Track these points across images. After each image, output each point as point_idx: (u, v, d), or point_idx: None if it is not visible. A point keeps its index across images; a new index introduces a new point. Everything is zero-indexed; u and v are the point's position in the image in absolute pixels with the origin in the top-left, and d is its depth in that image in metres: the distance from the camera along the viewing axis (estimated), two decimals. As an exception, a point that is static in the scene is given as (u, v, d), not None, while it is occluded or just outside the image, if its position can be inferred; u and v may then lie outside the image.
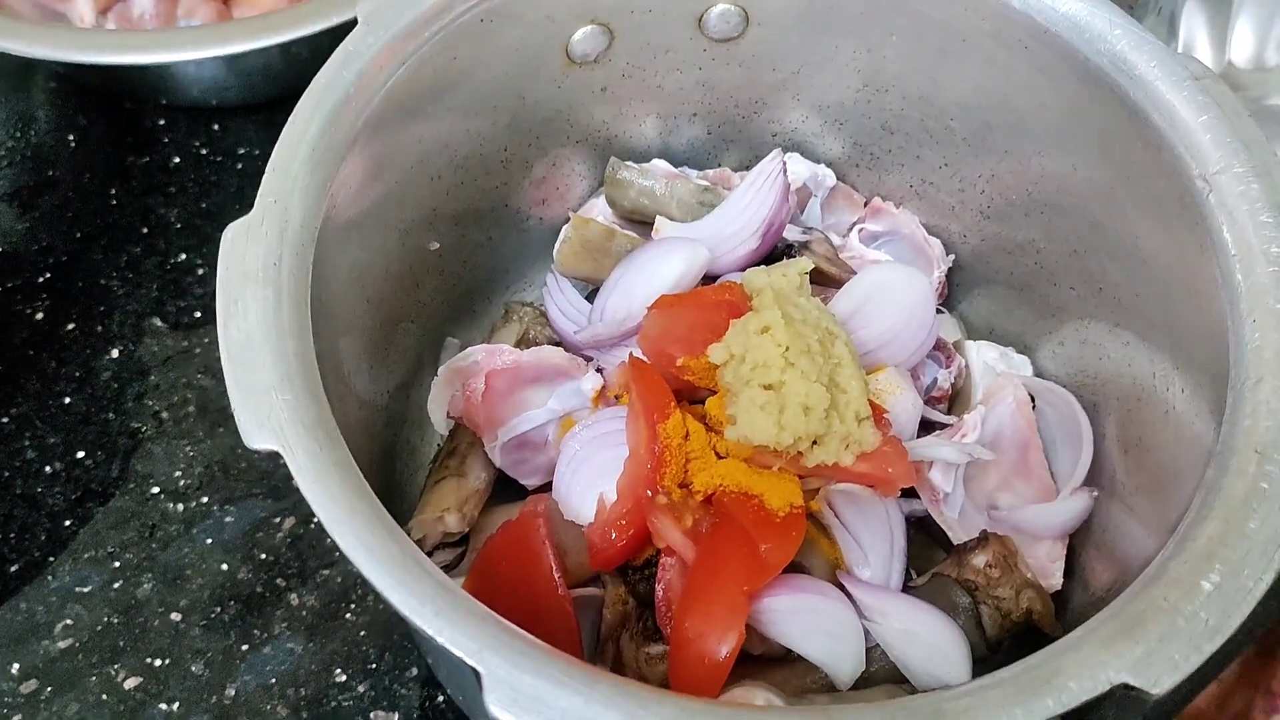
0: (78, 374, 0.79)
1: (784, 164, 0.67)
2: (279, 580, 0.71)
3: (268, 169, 0.51)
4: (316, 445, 0.44)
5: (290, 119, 0.53)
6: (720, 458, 0.59)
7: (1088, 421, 0.64)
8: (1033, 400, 0.67)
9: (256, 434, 0.44)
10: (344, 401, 0.51)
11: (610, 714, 0.39)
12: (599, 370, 0.65)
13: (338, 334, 0.55)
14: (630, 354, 0.62)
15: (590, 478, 0.60)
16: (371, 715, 0.66)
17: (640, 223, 0.72)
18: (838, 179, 0.75)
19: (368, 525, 0.43)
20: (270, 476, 0.75)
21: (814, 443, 0.56)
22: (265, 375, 0.45)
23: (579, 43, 0.65)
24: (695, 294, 0.62)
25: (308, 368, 0.47)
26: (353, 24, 0.57)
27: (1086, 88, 0.58)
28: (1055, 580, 0.62)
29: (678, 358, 0.60)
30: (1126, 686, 0.41)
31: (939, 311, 0.71)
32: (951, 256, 0.73)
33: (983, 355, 0.69)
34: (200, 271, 0.84)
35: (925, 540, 0.66)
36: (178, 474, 0.75)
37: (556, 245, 0.70)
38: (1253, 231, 0.51)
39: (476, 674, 0.40)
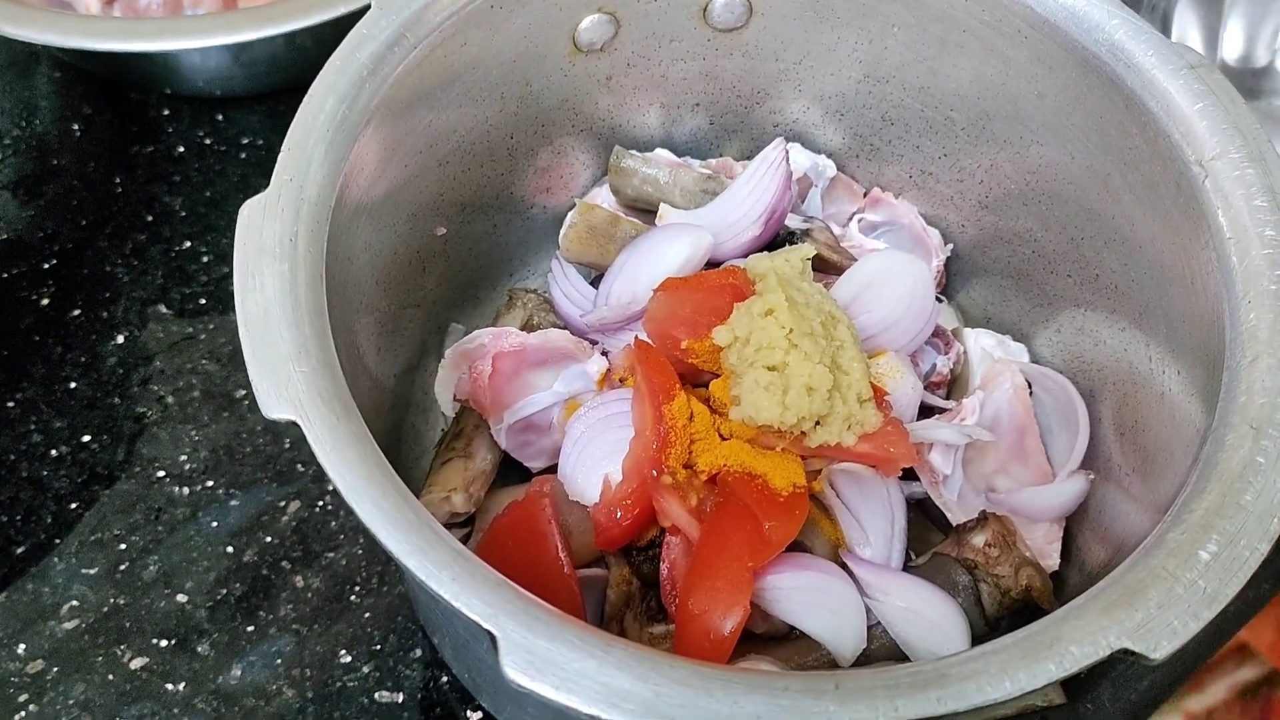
0: (83, 359, 0.80)
1: (786, 152, 0.68)
2: (284, 563, 0.72)
3: (284, 147, 0.52)
4: (334, 416, 0.45)
5: (306, 98, 0.54)
6: (724, 439, 0.60)
7: (1084, 406, 0.65)
8: (1030, 387, 0.68)
9: (275, 404, 0.45)
10: (357, 380, 0.52)
11: (624, 676, 0.40)
12: (604, 354, 0.66)
13: (351, 313, 0.56)
14: (635, 337, 0.63)
15: (595, 459, 0.61)
16: (376, 696, 0.67)
17: (644, 211, 0.73)
18: (838, 169, 0.76)
19: (385, 494, 0.44)
20: (275, 461, 0.75)
21: (817, 423, 0.57)
22: (283, 347, 0.46)
23: (585, 31, 0.66)
24: (699, 278, 0.63)
25: (323, 341, 0.48)
26: (364, 10, 0.58)
27: (1084, 76, 0.59)
28: (1052, 562, 0.63)
29: (682, 340, 0.61)
30: (1126, 652, 0.42)
31: (937, 300, 0.72)
32: (949, 246, 0.74)
33: (980, 342, 0.70)
34: (205, 259, 0.85)
35: (923, 523, 0.67)
36: (183, 458, 0.76)
37: (562, 231, 0.71)
38: (1248, 215, 0.52)
39: (493, 638, 0.41)
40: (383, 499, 0.44)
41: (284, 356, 0.46)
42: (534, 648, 0.40)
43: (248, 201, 0.50)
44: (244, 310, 0.47)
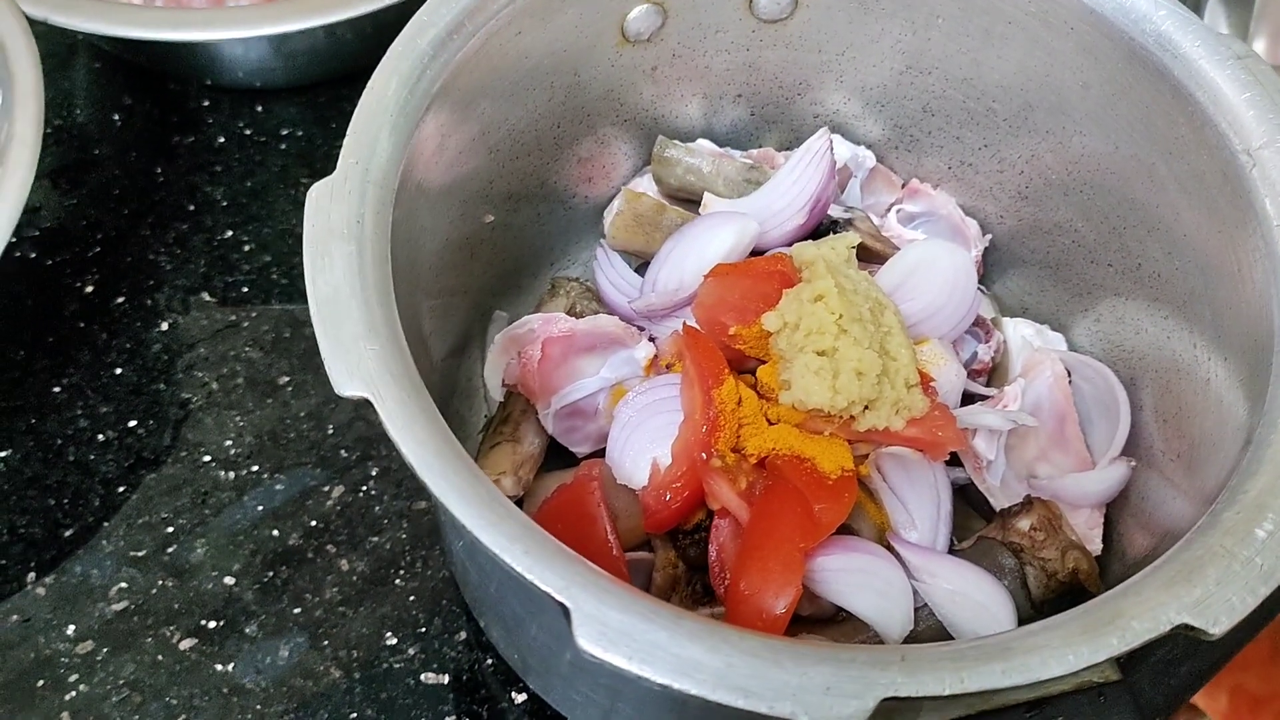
0: (128, 346, 0.81)
1: (830, 141, 0.69)
2: (329, 546, 0.72)
3: (349, 130, 0.53)
4: (404, 393, 0.46)
5: (370, 83, 0.54)
6: (771, 424, 0.61)
7: (1124, 394, 0.66)
8: (1069, 375, 0.69)
9: (348, 382, 0.46)
10: (420, 360, 0.53)
11: (695, 647, 0.41)
12: (651, 340, 0.67)
13: (414, 296, 0.57)
14: (684, 323, 0.63)
15: (643, 443, 0.62)
16: (422, 677, 0.68)
17: (685, 201, 0.74)
18: (877, 160, 0.77)
19: (456, 470, 0.45)
20: (319, 446, 0.76)
21: (866, 407, 0.58)
22: (353, 326, 0.47)
23: (634, 21, 0.67)
24: (748, 264, 0.64)
25: (391, 321, 0.48)
26: (404, 2, 0.59)
27: (1131, 67, 0.60)
28: (1094, 548, 0.64)
29: (730, 326, 0.62)
30: (1187, 627, 0.42)
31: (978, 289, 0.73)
32: (988, 237, 0.75)
33: (1019, 331, 0.71)
34: (246, 248, 0.86)
35: (965, 509, 0.68)
36: (228, 443, 0.76)
37: (609, 219, 0.72)
38: (1296, 203, 0.53)
39: (566, 610, 0.42)
40: (455, 474, 0.44)
41: (355, 336, 0.47)
42: (607, 619, 0.41)
43: (315, 184, 0.51)
44: (315, 290, 0.48)
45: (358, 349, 0.47)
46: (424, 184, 0.59)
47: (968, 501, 0.68)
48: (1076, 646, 0.42)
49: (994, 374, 0.71)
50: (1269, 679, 0.68)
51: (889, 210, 0.76)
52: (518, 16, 0.60)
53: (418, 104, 0.55)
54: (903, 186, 0.77)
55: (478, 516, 0.43)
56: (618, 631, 0.41)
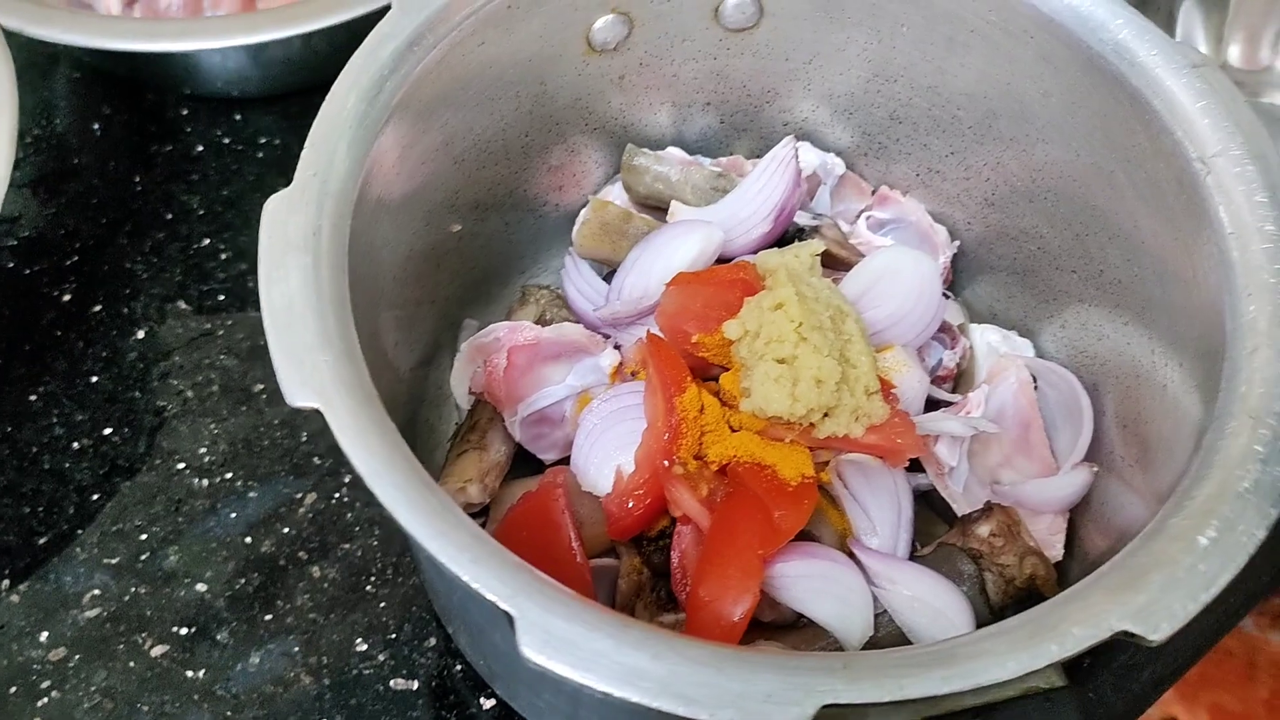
0: (104, 354, 0.81)
1: (796, 149, 0.69)
2: (301, 554, 0.73)
3: (307, 143, 0.53)
4: (356, 404, 0.46)
5: (329, 95, 0.55)
6: (734, 431, 0.61)
7: (1088, 400, 0.66)
8: (1034, 381, 0.69)
9: (299, 392, 0.46)
10: (378, 372, 0.53)
11: (639, 655, 0.41)
12: (616, 347, 0.67)
13: (372, 306, 0.57)
14: (648, 330, 0.64)
15: (608, 450, 0.63)
16: (391, 683, 0.68)
17: (655, 208, 0.74)
18: (846, 167, 0.77)
19: (407, 479, 0.45)
20: (292, 454, 0.77)
21: (825, 415, 0.59)
22: (307, 336, 0.48)
23: (600, 31, 0.67)
24: (710, 272, 0.65)
25: (346, 331, 0.49)
26: (380, 12, 0.59)
27: (1089, 75, 0.60)
28: (1056, 553, 0.64)
29: (693, 334, 0.62)
30: (1127, 634, 0.43)
31: (944, 296, 0.73)
32: (956, 243, 0.76)
33: (986, 337, 0.71)
34: (223, 256, 0.86)
35: (928, 515, 0.68)
36: (202, 450, 0.77)
37: (575, 227, 0.72)
38: (1249, 211, 0.54)
39: (510, 619, 0.42)
40: (405, 484, 0.45)
41: (308, 346, 0.47)
42: (551, 627, 0.42)
43: (273, 196, 0.52)
44: (269, 301, 0.48)
45: (311, 359, 0.47)
46: (386, 194, 0.59)
47: (932, 507, 0.68)
48: (1017, 653, 0.42)
49: (960, 380, 0.72)
50: (1246, 699, 0.69)
51: (858, 217, 0.77)
52: (480, 27, 0.61)
53: (377, 115, 0.56)
54: (872, 193, 0.78)
55: (426, 525, 0.44)
56: (562, 639, 0.42)
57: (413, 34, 0.57)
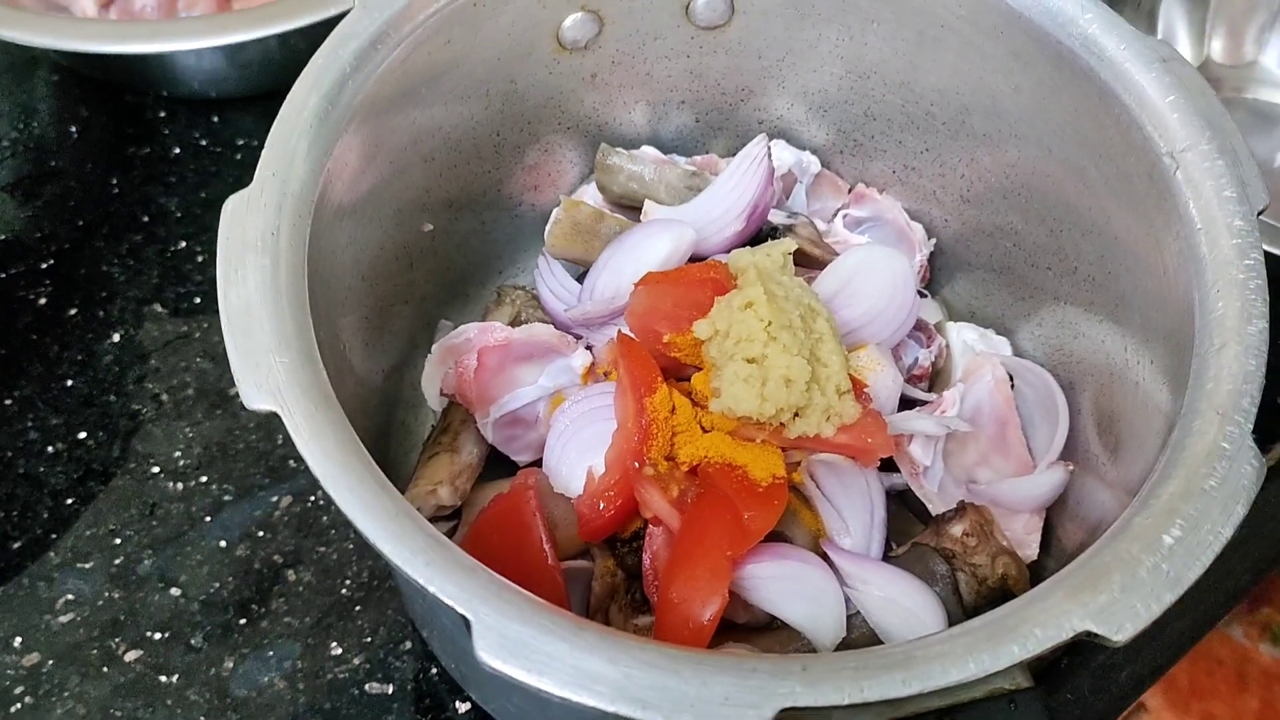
0: (80, 358, 0.81)
1: (768, 148, 0.69)
2: (276, 557, 0.72)
3: (267, 143, 0.53)
4: (313, 406, 0.46)
5: (289, 96, 0.55)
6: (705, 431, 0.61)
7: (1064, 398, 0.65)
8: (1011, 380, 0.69)
9: (255, 395, 0.46)
10: (341, 376, 0.53)
11: (594, 659, 0.41)
12: (588, 348, 0.67)
13: (335, 309, 0.57)
14: (619, 331, 0.63)
15: (580, 451, 0.62)
16: (367, 687, 0.68)
17: (630, 208, 0.74)
18: (822, 165, 0.77)
19: (363, 482, 0.45)
20: (268, 457, 0.76)
21: (796, 414, 0.58)
22: (264, 339, 0.47)
23: (569, 29, 0.67)
24: (680, 272, 0.64)
25: (304, 333, 0.49)
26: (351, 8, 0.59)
27: (1059, 71, 0.60)
28: (1031, 551, 0.64)
29: (664, 334, 0.62)
30: (1090, 634, 0.42)
31: (921, 295, 0.73)
32: (933, 241, 0.75)
33: (963, 335, 0.71)
34: (200, 258, 0.86)
35: (905, 514, 0.68)
36: (177, 454, 0.77)
37: (547, 228, 0.72)
38: (1217, 206, 0.53)
39: (466, 622, 0.42)
40: (360, 487, 0.44)
41: (265, 348, 0.47)
42: (506, 631, 0.41)
43: (231, 196, 0.51)
44: (226, 303, 0.48)
45: (267, 361, 0.47)
46: (352, 194, 0.59)
47: (909, 507, 0.68)
48: (978, 654, 0.42)
49: (937, 379, 0.71)
50: (1237, 708, 0.69)
51: (835, 215, 0.76)
52: (445, 25, 0.60)
53: (340, 115, 0.55)
54: (849, 191, 0.77)
55: (381, 529, 0.44)
56: (517, 643, 0.41)
57: (375, 33, 0.57)
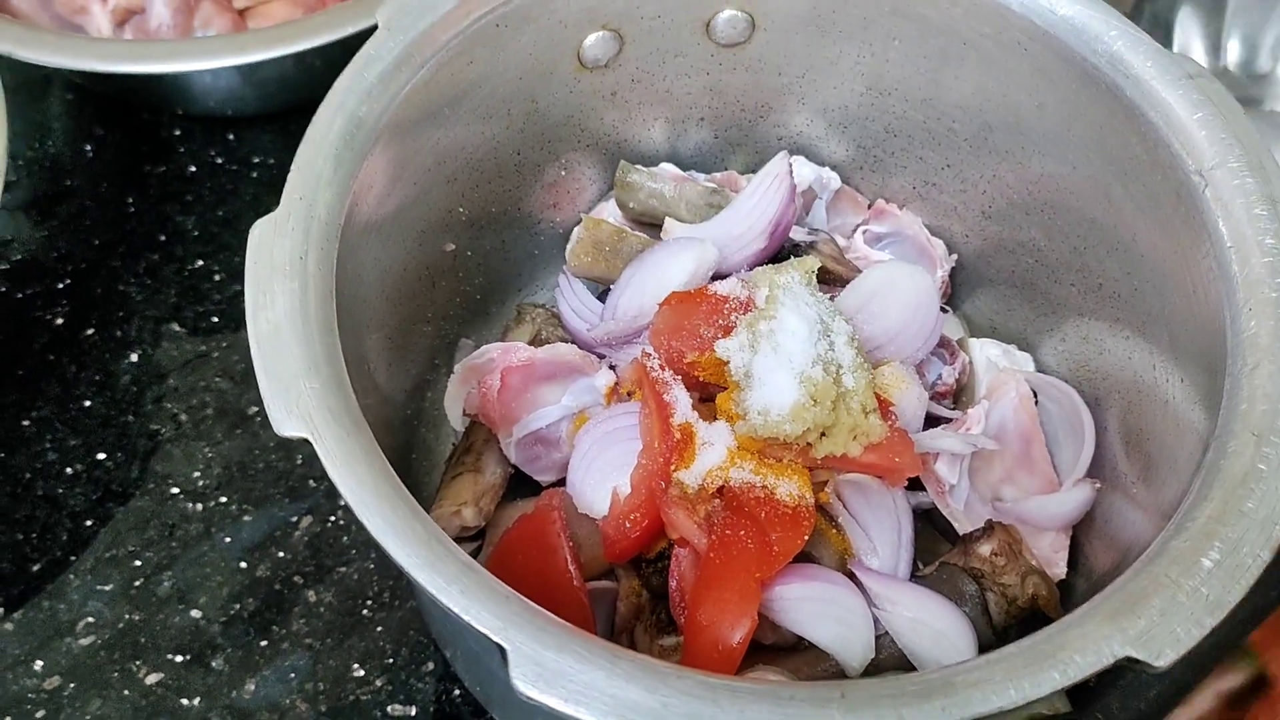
0: (97, 378, 0.81)
1: (790, 165, 0.68)
2: (296, 578, 0.72)
3: (293, 167, 0.53)
4: (343, 431, 0.46)
5: (314, 119, 0.54)
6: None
7: (1089, 415, 0.65)
8: (1035, 396, 0.68)
9: (286, 421, 0.46)
10: (367, 395, 0.52)
11: (631, 687, 0.41)
12: (611, 367, 0.67)
13: (361, 329, 0.57)
14: (643, 350, 0.63)
15: (604, 471, 0.62)
16: (389, 709, 0.68)
17: (649, 225, 0.74)
18: (842, 181, 0.77)
19: (394, 509, 0.44)
20: (288, 477, 0.76)
21: (822, 434, 0.58)
22: (293, 364, 0.47)
23: (590, 48, 0.67)
24: (703, 291, 0.64)
25: (334, 358, 0.48)
26: (372, 29, 0.59)
27: (1084, 88, 0.60)
28: (1059, 570, 0.63)
29: (687, 354, 0.61)
30: (1130, 660, 0.42)
31: (943, 311, 0.72)
32: (954, 256, 0.75)
33: (986, 352, 0.71)
34: (217, 277, 0.86)
35: (931, 533, 0.67)
36: (196, 474, 0.76)
37: (569, 246, 0.71)
38: (1248, 224, 0.53)
39: (502, 650, 0.41)
40: (392, 513, 0.44)
41: (295, 374, 0.47)
42: (543, 660, 0.41)
43: (258, 221, 0.51)
44: (255, 328, 0.48)
45: (297, 387, 0.47)
46: (376, 216, 0.58)
47: (934, 525, 0.67)
48: (1018, 681, 0.41)
49: (960, 395, 0.71)
50: None
51: (855, 231, 0.76)
52: (469, 46, 0.60)
53: (365, 137, 0.55)
54: (869, 207, 0.77)
55: (414, 556, 0.43)
56: (554, 672, 0.41)
57: (399, 55, 0.57)
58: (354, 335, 0.54)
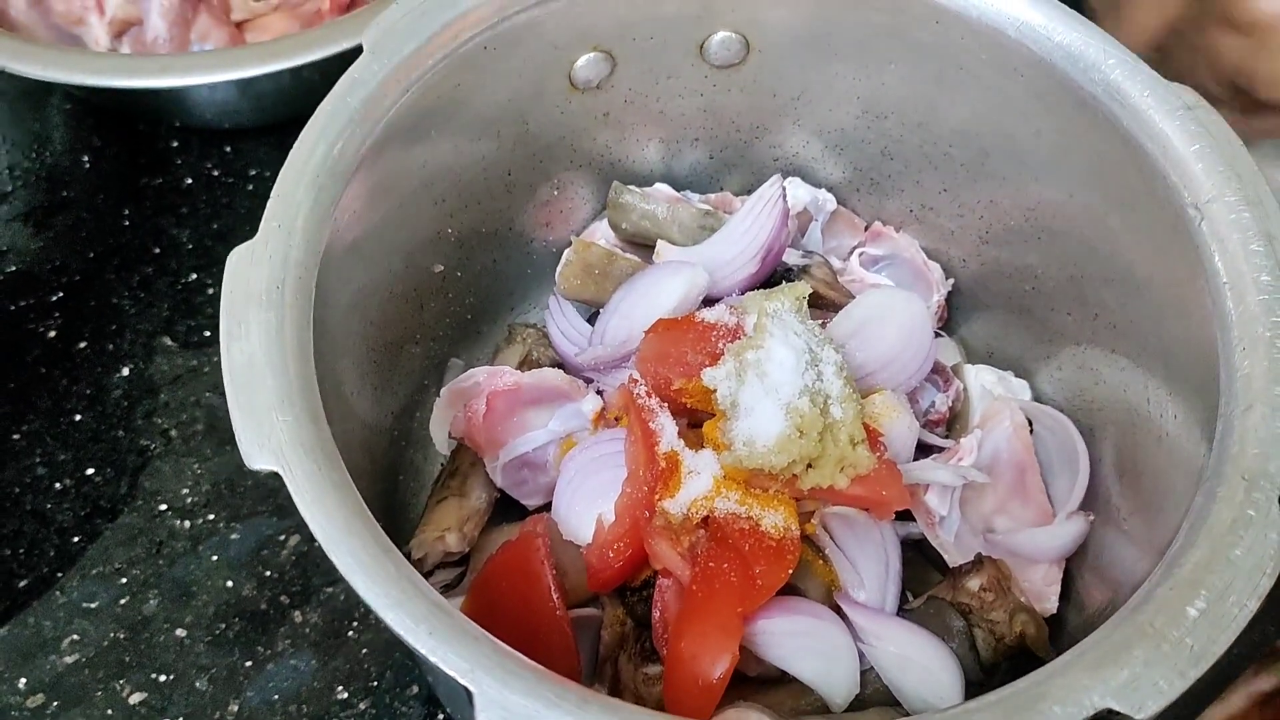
0: (89, 392, 0.80)
1: (784, 189, 0.68)
2: (283, 597, 0.72)
3: (272, 194, 0.52)
4: (315, 466, 0.45)
5: (295, 145, 0.54)
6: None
7: (1084, 446, 0.64)
8: (1030, 425, 0.67)
9: (257, 454, 0.45)
10: (345, 422, 0.52)
11: (599, 734, 0.40)
12: (599, 392, 0.66)
13: (340, 355, 0.56)
14: (630, 376, 0.62)
15: (589, 498, 0.61)
16: (372, 732, 0.67)
17: (642, 246, 0.73)
18: (839, 203, 0.76)
19: (364, 546, 0.44)
20: (276, 495, 0.76)
21: (809, 465, 0.57)
22: (266, 396, 0.46)
23: (582, 69, 0.66)
24: (691, 318, 0.63)
25: (308, 389, 0.48)
26: (361, 50, 0.58)
27: (1081, 115, 0.59)
28: (1051, 604, 0.62)
29: (675, 381, 0.61)
30: (1110, 712, 0.41)
31: (939, 335, 0.71)
32: (951, 281, 0.74)
33: (981, 379, 0.70)
34: (210, 291, 0.85)
35: (921, 562, 0.66)
36: (185, 491, 0.76)
37: (559, 269, 0.71)
38: (1244, 260, 0.52)
39: (469, 693, 0.41)
40: (362, 551, 0.44)
41: (267, 406, 0.46)
42: (509, 704, 0.40)
43: (235, 249, 0.51)
44: (229, 359, 0.47)
45: (270, 420, 0.46)
46: (360, 240, 0.58)
47: (925, 556, 0.66)
48: (996, 732, 0.40)
49: (954, 423, 0.70)
50: None
51: (851, 253, 0.75)
52: (455, 70, 0.60)
53: (347, 163, 0.55)
54: (865, 229, 0.76)
55: (383, 594, 0.43)
56: (521, 716, 0.40)
57: (384, 79, 0.56)
58: (332, 362, 0.53)
